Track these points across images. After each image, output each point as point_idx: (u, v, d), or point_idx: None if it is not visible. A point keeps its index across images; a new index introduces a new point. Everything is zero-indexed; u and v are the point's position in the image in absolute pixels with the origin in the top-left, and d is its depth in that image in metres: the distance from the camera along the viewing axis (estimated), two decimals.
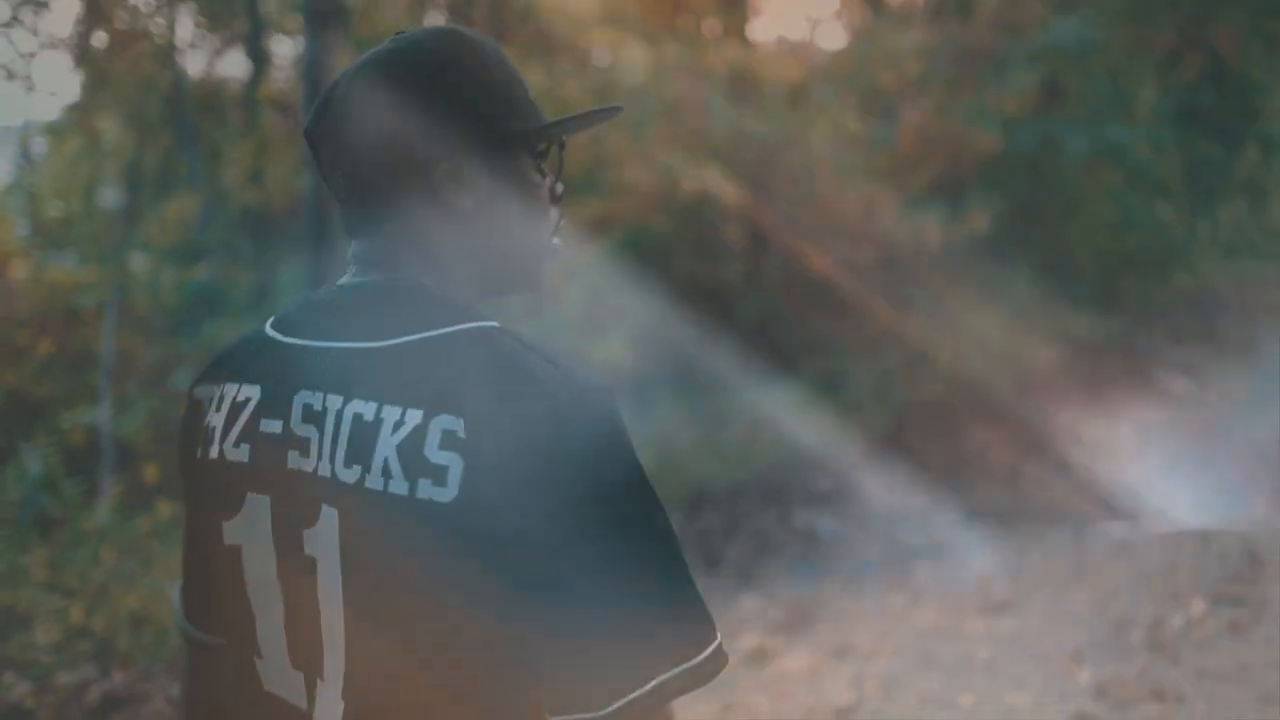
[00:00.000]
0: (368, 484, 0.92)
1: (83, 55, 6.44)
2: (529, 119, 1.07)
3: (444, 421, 0.90)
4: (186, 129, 7.43)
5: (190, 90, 7.75)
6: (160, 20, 7.10)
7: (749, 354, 7.04)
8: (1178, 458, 6.99)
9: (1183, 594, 4.98)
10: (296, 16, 7.82)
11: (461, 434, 0.89)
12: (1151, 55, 10.50)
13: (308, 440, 0.97)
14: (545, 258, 1.12)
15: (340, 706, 0.97)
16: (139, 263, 6.37)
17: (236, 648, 1.07)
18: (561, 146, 1.11)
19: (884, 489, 6.45)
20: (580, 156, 7.13)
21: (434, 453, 0.90)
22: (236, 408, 1.04)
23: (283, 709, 1.03)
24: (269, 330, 1.07)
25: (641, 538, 0.90)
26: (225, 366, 1.08)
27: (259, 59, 8.17)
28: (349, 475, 0.94)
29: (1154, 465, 6.85)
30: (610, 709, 0.87)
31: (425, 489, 0.89)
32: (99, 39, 6.55)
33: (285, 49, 9.01)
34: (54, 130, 7.09)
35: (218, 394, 1.07)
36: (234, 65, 9.39)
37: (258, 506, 1.01)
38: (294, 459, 0.98)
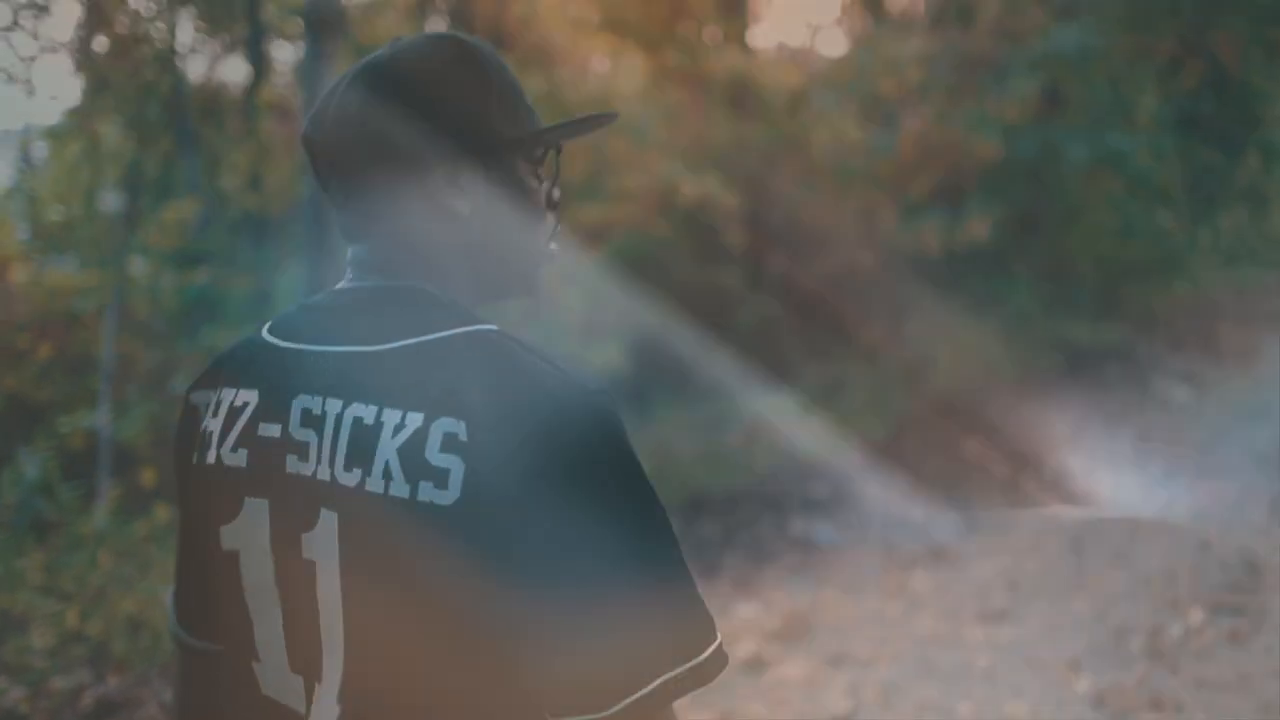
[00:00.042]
0: (368, 487, 0.92)
1: (83, 59, 6.44)
2: (526, 124, 1.07)
3: (445, 424, 0.90)
4: (187, 134, 7.43)
5: (190, 95, 7.76)
6: (161, 25, 7.11)
7: (747, 361, 7.03)
8: (1177, 466, 7.00)
9: (1182, 602, 4.97)
10: (297, 22, 7.83)
11: (463, 436, 0.89)
12: (1152, 63, 10.51)
13: (306, 444, 0.97)
14: (542, 262, 1.12)
15: (336, 710, 0.97)
16: (139, 267, 6.36)
17: (234, 653, 1.06)
18: (558, 152, 1.11)
19: (882, 496, 6.44)
20: (580, 162, 7.13)
21: (435, 455, 0.90)
22: (234, 412, 1.04)
23: (281, 713, 1.03)
24: (266, 335, 1.07)
25: (642, 538, 0.90)
26: (222, 371, 1.08)
27: (259, 64, 8.17)
28: (349, 478, 0.94)
29: (1154, 473, 6.86)
30: (614, 709, 0.87)
31: (426, 491, 0.89)
32: (99, 43, 6.55)
33: (285, 54, 9.02)
34: (54, 134, 7.09)
35: (215, 399, 1.07)
36: (234, 70, 9.42)
37: (256, 511, 1.01)
38: (293, 463, 0.98)
